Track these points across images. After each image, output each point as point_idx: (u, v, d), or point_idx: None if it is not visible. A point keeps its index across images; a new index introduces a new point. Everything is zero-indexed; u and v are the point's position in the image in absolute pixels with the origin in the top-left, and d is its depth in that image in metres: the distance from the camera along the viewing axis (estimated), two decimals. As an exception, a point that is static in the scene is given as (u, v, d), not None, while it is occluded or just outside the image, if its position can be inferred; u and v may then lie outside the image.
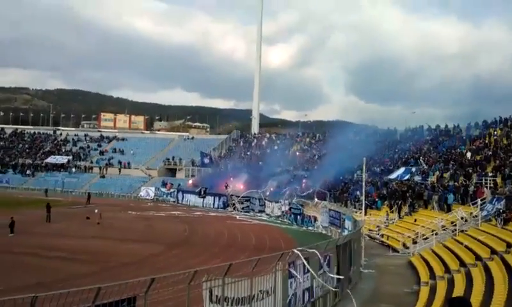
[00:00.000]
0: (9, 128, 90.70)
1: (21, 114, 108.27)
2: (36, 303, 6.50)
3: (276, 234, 33.73)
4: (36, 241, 26.74)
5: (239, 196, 50.08)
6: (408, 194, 34.06)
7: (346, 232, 26.07)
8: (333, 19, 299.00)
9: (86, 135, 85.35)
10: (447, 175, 34.32)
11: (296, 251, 13.31)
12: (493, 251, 17.83)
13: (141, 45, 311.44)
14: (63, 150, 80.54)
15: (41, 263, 20.93)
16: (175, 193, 58.03)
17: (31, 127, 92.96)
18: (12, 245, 25.04)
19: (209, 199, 52.67)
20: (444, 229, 25.81)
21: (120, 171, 71.09)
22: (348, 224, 28.07)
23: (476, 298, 12.92)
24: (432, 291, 15.99)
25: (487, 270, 15.78)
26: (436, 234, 25.24)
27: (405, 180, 38.16)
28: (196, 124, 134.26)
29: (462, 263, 18.30)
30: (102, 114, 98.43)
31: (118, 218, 39.49)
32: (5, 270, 19.34)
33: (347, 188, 43.57)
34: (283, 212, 43.10)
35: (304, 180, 49.63)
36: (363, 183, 28.92)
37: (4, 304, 6.16)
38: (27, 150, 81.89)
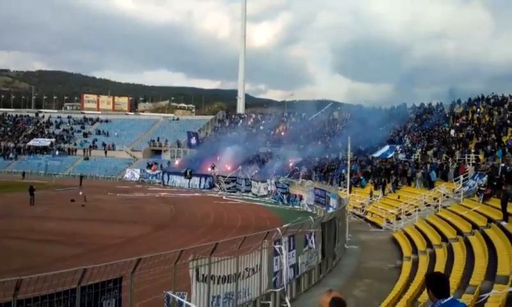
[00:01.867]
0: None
1: (2, 96, 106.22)
2: (21, 286, 6.49)
3: (263, 213, 33.97)
4: (20, 224, 26.53)
5: (225, 177, 50.18)
6: (392, 172, 34.52)
7: (331, 210, 26.39)
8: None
9: (69, 117, 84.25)
10: (430, 152, 34.81)
11: (279, 229, 13.46)
12: (474, 226, 18.25)
13: (124, 25, 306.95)
14: (46, 133, 79.48)
15: (26, 247, 20.80)
16: (161, 174, 57.86)
17: (13, 110, 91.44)
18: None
19: (195, 180, 52.66)
20: (427, 206, 26.29)
21: (105, 153, 70.49)
22: (333, 202, 28.40)
23: (457, 271, 13.25)
24: (415, 265, 16.34)
25: (468, 244, 16.16)
26: (419, 210, 25.70)
27: (389, 158, 38.64)
28: (181, 105, 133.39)
29: (444, 238, 18.70)
30: (85, 95, 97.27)
31: (103, 200, 39.32)
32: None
33: (332, 166, 43.95)
34: (269, 191, 43.36)
35: (290, 160, 49.92)
36: (348, 162, 29.21)
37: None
38: (10, 133, 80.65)
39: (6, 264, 17.16)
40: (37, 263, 17.15)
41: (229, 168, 52.50)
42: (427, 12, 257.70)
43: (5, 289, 6.31)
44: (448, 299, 3.95)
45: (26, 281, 6.57)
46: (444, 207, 24.55)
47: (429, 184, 29.19)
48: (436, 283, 4.00)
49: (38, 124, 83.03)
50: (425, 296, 11.51)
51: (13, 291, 6.40)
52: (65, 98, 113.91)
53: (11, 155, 72.73)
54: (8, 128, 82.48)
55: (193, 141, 65.59)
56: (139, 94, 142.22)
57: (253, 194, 45.49)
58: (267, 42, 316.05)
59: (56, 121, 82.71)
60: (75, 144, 74.59)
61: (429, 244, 18.76)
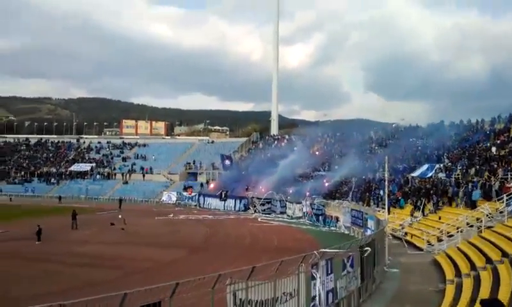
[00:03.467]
0: (33, 138, 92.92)
1: (45, 123, 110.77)
2: (64, 310, 6.65)
3: (298, 235, 33.65)
4: (62, 248, 27.29)
5: (260, 198, 50.15)
6: (431, 191, 33.56)
7: (369, 232, 25.85)
8: (352, 16, 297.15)
9: (108, 143, 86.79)
10: (471, 171, 33.70)
11: (316, 252, 13.28)
12: (521, 248, 17.44)
13: (160, 51, 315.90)
14: (87, 158, 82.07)
15: (67, 270, 21.34)
16: (197, 197, 58.44)
17: (55, 136, 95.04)
18: (39, 253, 25.63)
19: (230, 202, 52.89)
20: (470, 226, 25.34)
21: (143, 177, 72.04)
22: (371, 223, 27.81)
23: (504, 295, 12.65)
24: (458, 289, 15.71)
25: (515, 267, 15.42)
26: (461, 231, 24.80)
27: (428, 177, 37.61)
28: (215, 128, 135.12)
29: (488, 260, 17.93)
30: (124, 121, 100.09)
31: (141, 223, 39.98)
32: (32, 278, 19.81)
33: (369, 187, 43.18)
34: (304, 212, 42.98)
35: (325, 180, 49.42)
36: (386, 182, 28.62)
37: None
38: (52, 159, 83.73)
39: (48, 287, 17.66)
40: (77, 287, 17.54)
41: (263, 190, 52.48)
42: (459, 26, 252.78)
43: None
44: None
45: (68, 305, 6.74)
46: (488, 227, 23.60)
47: (471, 204, 28.18)
48: None
49: (79, 149, 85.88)
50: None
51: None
52: (105, 124, 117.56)
53: (53, 180, 75.34)
54: (50, 154, 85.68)
55: (227, 163, 66.10)
56: (175, 119, 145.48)
57: (288, 215, 45.20)
58: (300, 63, 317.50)
59: (96, 147, 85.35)
60: (114, 169, 76.59)
61: (473, 266, 18.02)
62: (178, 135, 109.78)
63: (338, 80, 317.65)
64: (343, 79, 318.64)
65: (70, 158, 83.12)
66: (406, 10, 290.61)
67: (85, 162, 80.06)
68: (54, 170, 78.56)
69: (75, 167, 78.15)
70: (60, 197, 63.13)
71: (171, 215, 46.64)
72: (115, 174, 74.90)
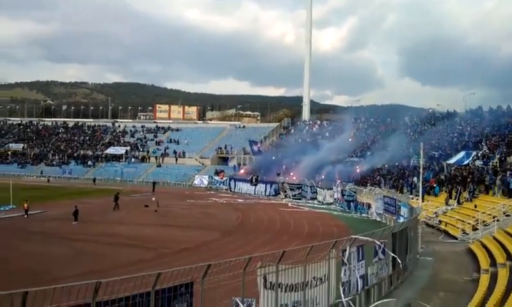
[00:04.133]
0: (70, 122, 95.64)
1: (81, 107, 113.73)
2: (100, 288, 6.89)
3: (329, 221, 33.53)
4: (98, 229, 28.18)
5: (290, 183, 50.12)
6: (468, 179, 32.68)
7: (402, 219, 25.46)
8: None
9: (142, 127, 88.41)
10: (509, 159, 32.58)
11: (347, 238, 13.22)
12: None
13: (193, 36, 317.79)
14: (122, 141, 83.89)
15: (103, 250, 22.02)
16: (228, 181, 58.96)
17: (91, 120, 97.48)
18: (76, 233, 26.52)
19: (261, 187, 53.09)
20: (507, 215, 24.61)
21: (176, 161, 73.22)
22: (404, 211, 27.38)
23: (542, 287, 12.29)
24: (493, 279, 15.33)
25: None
26: (497, 220, 24.12)
27: (465, 165, 36.61)
28: (247, 113, 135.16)
29: (527, 251, 17.41)
30: (158, 105, 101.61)
31: (174, 206, 40.74)
32: (69, 258, 20.56)
33: (403, 174, 42.43)
34: (335, 198, 42.71)
35: (357, 166, 48.90)
36: (421, 169, 28.06)
37: (70, 290, 6.57)
38: (88, 142, 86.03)
39: (84, 266, 18.29)
40: (112, 267, 18.09)
41: (294, 175, 52.41)
42: (499, 9, 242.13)
43: (85, 291, 6.73)
44: None
45: (104, 283, 6.99)
46: (527, 217, 22.86)
47: (509, 192, 27.30)
48: None
49: (114, 133, 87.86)
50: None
51: (92, 293, 6.82)
52: (139, 108, 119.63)
53: (89, 163, 77.52)
54: (87, 138, 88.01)
55: (255, 148, 66.22)
56: (207, 103, 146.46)
57: (319, 201, 45.02)
58: (333, 47, 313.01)
59: (130, 130, 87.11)
60: (148, 152, 78.04)
61: (509, 256, 17.53)
62: (210, 120, 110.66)
63: (371, 65, 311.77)
64: (377, 63, 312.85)
65: (106, 141, 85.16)
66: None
67: (120, 146, 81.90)
68: (90, 153, 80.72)
69: (111, 150, 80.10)
70: (95, 179, 65.29)
71: (203, 199, 47.22)
72: (149, 158, 76.33)
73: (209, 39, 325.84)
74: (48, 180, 67.28)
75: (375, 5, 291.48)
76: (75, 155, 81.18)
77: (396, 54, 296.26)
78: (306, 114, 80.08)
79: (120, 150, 79.65)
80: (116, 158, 78.18)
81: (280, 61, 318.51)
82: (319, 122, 74.74)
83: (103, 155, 79.41)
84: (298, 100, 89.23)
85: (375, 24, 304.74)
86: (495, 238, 21.49)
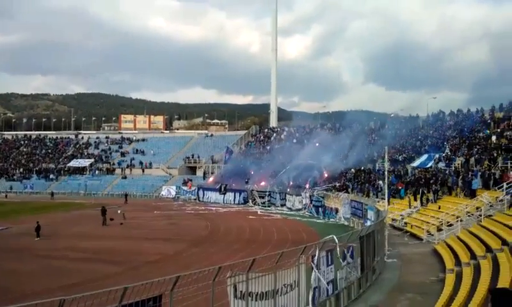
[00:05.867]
0: (32, 134, 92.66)
1: (43, 119, 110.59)
2: (64, 305, 6.63)
3: (298, 227, 33.68)
4: (62, 244, 27.28)
5: (259, 191, 50.18)
6: (431, 181, 33.58)
7: (369, 222, 25.86)
8: (351, 6, 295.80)
9: (107, 138, 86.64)
10: (471, 160, 33.70)
11: (318, 243, 13.28)
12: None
13: (158, 45, 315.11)
14: (85, 153, 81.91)
15: (67, 266, 21.34)
16: (196, 191, 58.45)
17: (53, 132, 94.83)
18: (40, 249, 25.62)
19: (230, 195, 52.92)
20: (469, 215, 25.38)
21: (143, 171, 72.07)
22: (371, 214, 27.84)
23: (503, 283, 12.66)
24: (458, 278, 15.73)
25: (515, 255, 15.45)
26: (460, 220, 24.84)
27: (428, 167, 37.63)
28: (214, 121, 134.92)
29: (488, 249, 17.96)
30: (122, 116, 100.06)
31: (141, 218, 39.99)
32: (33, 274, 19.81)
33: (369, 178, 43.20)
34: (304, 204, 43.01)
35: (324, 171, 49.41)
36: (386, 172, 28.62)
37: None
38: (50, 155, 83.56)
39: (49, 283, 17.66)
40: (78, 282, 17.57)
41: (263, 183, 52.49)
42: (460, 15, 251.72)
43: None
44: None
45: (69, 300, 6.72)
46: (488, 216, 23.63)
47: (471, 193, 28.21)
48: (503, 299, 3.75)
49: (78, 145, 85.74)
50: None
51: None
52: (103, 119, 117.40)
53: (51, 176, 75.27)
54: (49, 150, 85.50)
55: (227, 156, 66.08)
56: (173, 112, 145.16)
57: (288, 208, 45.23)
58: (299, 54, 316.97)
59: (94, 142, 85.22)
60: (113, 164, 76.51)
61: (473, 255, 18.05)
62: (177, 129, 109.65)
63: (337, 72, 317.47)
64: (342, 70, 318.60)
65: (69, 154, 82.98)
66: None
67: (84, 158, 79.94)
68: (53, 166, 78.45)
69: (74, 163, 78.02)
70: (53, 193, 63.12)
71: (171, 210, 46.59)
72: (114, 170, 74.85)
73: (175, 48, 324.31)
74: (6, 196, 64.30)
75: (339, 12, 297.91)
76: (37, 168, 78.69)
77: (360, 60, 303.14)
78: (273, 121, 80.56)
79: (83, 163, 77.72)
80: (80, 171, 76.23)
81: (247, 69, 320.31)
82: (286, 129, 75.23)
83: (66, 168, 77.29)
84: (266, 108, 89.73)
85: (340, 31, 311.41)
86: (459, 238, 22.09)
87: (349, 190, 41.52)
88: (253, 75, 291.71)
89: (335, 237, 13.96)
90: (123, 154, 79.50)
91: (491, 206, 24.96)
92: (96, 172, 75.09)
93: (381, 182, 37.04)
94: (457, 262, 18.23)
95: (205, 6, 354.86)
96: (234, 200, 52.15)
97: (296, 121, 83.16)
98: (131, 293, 7.57)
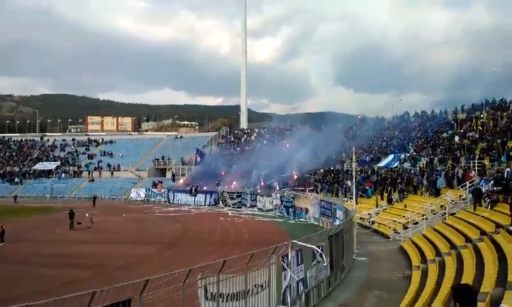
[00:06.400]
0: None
1: (7, 121, 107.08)
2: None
3: (269, 228, 33.87)
4: (27, 249, 26.52)
5: (230, 192, 50.16)
6: (397, 181, 34.40)
7: (338, 222, 26.27)
8: (320, 10, 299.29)
9: (73, 140, 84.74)
10: (435, 160, 34.71)
11: (288, 243, 13.42)
12: (483, 232, 18.13)
13: (127, 46, 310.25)
14: (51, 156, 79.88)
15: (34, 271, 20.78)
16: (166, 193, 57.91)
17: (18, 135, 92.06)
18: (3, 254, 24.85)
19: (200, 197, 52.68)
20: (434, 214, 26.15)
21: (112, 174, 70.87)
22: (339, 213, 28.29)
23: (467, 279, 13.14)
24: (424, 274, 16.22)
25: (477, 251, 16.04)
26: (426, 218, 25.56)
27: (394, 167, 38.54)
28: (184, 123, 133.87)
29: (452, 246, 18.57)
30: (89, 117, 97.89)
31: (109, 221, 39.33)
32: (2, 280, 19.20)
33: (337, 178, 43.85)
34: (275, 205, 43.27)
35: (294, 172, 49.83)
36: (354, 172, 29.16)
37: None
38: (15, 158, 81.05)
39: (16, 289, 17.17)
40: (45, 288, 17.12)
41: (234, 183, 52.50)
42: (427, 20, 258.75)
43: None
44: None
45: (35, 306, 6.60)
46: (451, 214, 24.42)
47: (435, 192, 29.07)
48: (465, 296, 3.89)
49: (43, 148, 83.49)
50: (436, 306, 11.42)
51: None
52: (69, 120, 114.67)
53: (16, 180, 73.04)
54: (13, 153, 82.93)
55: (198, 158, 65.76)
56: (143, 114, 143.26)
57: (259, 208, 45.39)
58: (269, 56, 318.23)
59: (60, 144, 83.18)
60: (80, 167, 74.89)
61: (438, 253, 18.63)
62: (146, 131, 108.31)
63: (306, 74, 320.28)
64: (311, 72, 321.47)
65: (34, 156, 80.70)
66: (372, 2, 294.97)
67: (49, 161, 77.91)
68: (18, 169, 76.11)
69: (40, 166, 75.96)
70: (16, 197, 61.37)
71: (141, 213, 45.99)
72: (81, 173, 73.26)
73: (144, 49, 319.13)
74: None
75: (308, 15, 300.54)
76: (1, 172, 76.16)
77: (329, 62, 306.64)
78: (244, 122, 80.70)
79: (49, 165, 75.76)
80: (46, 174, 74.27)
81: (217, 71, 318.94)
82: (256, 130, 75.47)
83: (31, 172, 75.12)
84: (236, 109, 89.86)
85: (308, 34, 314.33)
86: (424, 236, 22.74)
87: (318, 190, 42.03)
88: (223, 77, 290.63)
89: (298, 242, 14.01)
90: (90, 156, 77.92)
91: (454, 204, 25.80)
92: (63, 175, 73.32)
93: (349, 182, 37.67)
94: (423, 259, 18.78)
95: (175, 7, 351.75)
96: (205, 202, 51.94)
97: (266, 122, 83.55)
98: (99, 298, 7.48)
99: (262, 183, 49.73)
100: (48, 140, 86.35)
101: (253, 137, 70.92)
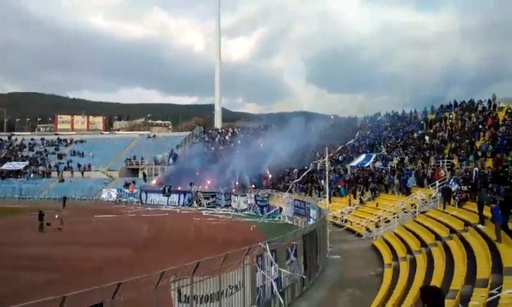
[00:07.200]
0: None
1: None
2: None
3: (243, 227, 33.84)
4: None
5: (204, 192, 49.92)
6: (369, 180, 34.93)
7: (312, 221, 26.49)
8: (293, 10, 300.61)
9: (42, 139, 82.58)
10: (406, 159, 35.40)
11: (262, 244, 13.43)
12: (452, 230, 18.58)
13: (97, 43, 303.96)
14: (19, 156, 77.67)
15: (4, 274, 20.14)
16: (138, 193, 57.14)
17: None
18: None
19: (174, 197, 52.20)
20: (405, 212, 26.66)
21: (82, 174, 69.41)
22: (313, 213, 28.53)
23: (437, 276, 13.44)
24: (396, 272, 16.51)
25: (447, 248, 16.42)
26: (397, 217, 26.03)
27: (366, 167, 39.10)
28: (157, 122, 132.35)
29: (423, 244, 18.97)
30: (59, 116, 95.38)
31: (80, 222, 38.50)
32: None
33: (311, 177, 44.16)
34: (249, 204, 43.28)
35: (268, 172, 49.99)
36: (327, 172, 29.45)
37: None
38: (-19, 158, 78.47)
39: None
40: (14, 291, 16.64)
41: (208, 184, 52.26)
42: (397, 20, 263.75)
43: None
44: None
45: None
46: (422, 212, 24.94)
47: (406, 191, 29.65)
48: (433, 297, 3.96)
49: (11, 147, 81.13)
50: (408, 303, 11.63)
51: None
52: (38, 120, 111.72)
53: (-17, 180, 70.79)
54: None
55: (171, 160, 65.23)
56: (114, 113, 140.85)
57: (233, 208, 45.31)
58: (243, 56, 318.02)
59: (29, 144, 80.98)
60: (49, 167, 73.07)
61: (409, 250, 19.00)
62: (118, 130, 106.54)
63: (280, 73, 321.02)
64: (285, 72, 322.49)
65: (2, 156, 78.26)
66: (345, 3, 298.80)
67: (18, 161, 75.74)
68: (-16, 169, 73.75)
69: (7, 166, 73.76)
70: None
71: (112, 214, 45.25)
72: (50, 173, 71.49)
73: (115, 46, 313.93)
74: None
75: (282, 15, 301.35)
76: (-33, 172, 73.62)
77: (302, 62, 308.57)
78: (218, 122, 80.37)
79: (17, 165, 73.64)
80: (14, 174, 72.20)
81: (191, 70, 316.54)
82: (231, 130, 75.28)
83: (-2, 172, 72.90)
84: (210, 108, 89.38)
85: (282, 34, 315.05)
86: (395, 234, 23.15)
87: (292, 189, 42.26)
88: (197, 76, 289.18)
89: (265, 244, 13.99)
90: (60, 156, 76.13)
91: (425, 202, 26.36)
92: (32, 175, 71.40)
93: (322, 181, 38.03)
94: (395, 257, 19.11)
95: (146, 4, 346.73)
96: (179, 202, 51.50)
97: (241, 122, 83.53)
98: (70, 303, 7.31)
99: (237, 183, 49.67)
100: (16, 139, 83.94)
101: (227, 137, 70.74)
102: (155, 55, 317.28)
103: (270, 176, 49.28)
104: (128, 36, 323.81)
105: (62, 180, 68.70)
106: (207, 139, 73.12)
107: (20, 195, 63.57)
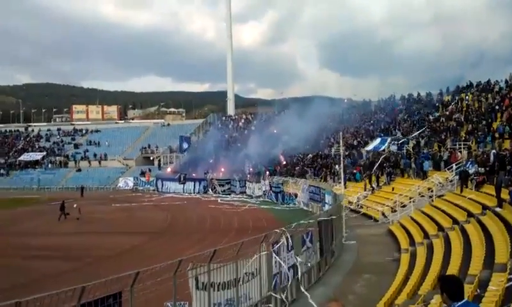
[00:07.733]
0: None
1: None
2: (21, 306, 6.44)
3: (259, 214, 33.96)
4: (16, 241, 26.24)
5: (219, 179, 50.14)
6: (384, 164, 34.64)
7: (327, 207, 26.43)
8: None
9: (58, 130, 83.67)
10: (421, 142, 34.98)
11: (278, 230, 13.47)
12: (470, 214, 18.37)
13: (109, 32, 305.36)
14: (37, 146, 78.81)
15: (23, 264, 20.58)
16: (154, 181, 57.66)
17: (1, 125, 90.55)
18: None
19: (189, 185, 52.55)
20: (421, 196, 26.42)
21: (99, 163, 70.28)
22: (328, 198, 28.44)
23: (455, 261, 13.32)
24: (413, 257, 16.41)
25: (464, 233, 16.26)
26: (413, 201, 25.83)
27: (381, 151, 38.73)
28: (171, 110, 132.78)
29: (440, 228, 18.81)
30: (74, 106, 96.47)
31: (97, 211, 39.04)
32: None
33: (326, 163, 44.01)
34: (264, 191, 43.35)
35: (282, 158, 49.93)
36: (341, 157, 29.28)
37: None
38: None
39: (4, 283, 16.98)
40: (35, 281, 17.00)
41: (223, 171, 52.45)
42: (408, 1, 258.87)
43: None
44: (463, 301, 3.92)
45: (25, 302, 6.52)
46: (439, 196, 24.70)
47: (423, 174, 29.35)
48: (452, 286, 3.94)
49: (28, 138, 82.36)
50: (425, 288, 11.57)
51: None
52: (54, 110, 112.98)
53: (2, 171, 72.07)
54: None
55: (185, 145, 65.43)
56: (128, 102, 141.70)
57: (248, 195, 45.46)
58: (255, 41, 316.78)
59: (46, 134, 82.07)
60: (66, 157, 74.07)
61: (426, 235, 18.85)
62: (132, 119, 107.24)
63: (293, 58, 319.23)
64: (298, 57, 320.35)
65: (19, 147, 79.56)
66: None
67: (35, 151, 76.88)
68: (2, 161, 75.06)
69: (25, 157, 74.91)
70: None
71: (129, 202, 45.78)
72: (67, 163, 72.49)
73: (127, 35, 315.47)
74: None
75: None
76: (-15, 164, 75.02)
77: (315, 46, 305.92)
78: (231, 108, 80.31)
79: (35, 156, 74.74)
80: (32, 164, 73.37)
81: (202, 56, 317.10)
82: (244, 116, 75.20)
83: (17, 163, 74.12)
84: (223, 95, 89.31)
85: (294, 18, 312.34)
86: (412, 219, 22.98)
87: (307, 175, 42.18)
88: (209, 62, 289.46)
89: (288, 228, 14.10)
90: (76, 146, 77.06)
91: (441, 186, 26.09)
92: (49, 165, 72.48)
93: (337, 166, 37.85)
94: (412, 242, 19.00)
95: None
96: (194, 189, 51.84)
97: (254, 108, 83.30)
98: (90, 291, 7.43)
99: (251, 170, 49.75)
100: (33, 130, 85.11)
101: (240, 123, 70.70)
102: (166, 43, 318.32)
103: (284, 162, 49.21)
104: (139, 25, 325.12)
105: (79, 170, 69.63)
106: (220, 126, 73.15)
107: (38, 185, 64.64)
